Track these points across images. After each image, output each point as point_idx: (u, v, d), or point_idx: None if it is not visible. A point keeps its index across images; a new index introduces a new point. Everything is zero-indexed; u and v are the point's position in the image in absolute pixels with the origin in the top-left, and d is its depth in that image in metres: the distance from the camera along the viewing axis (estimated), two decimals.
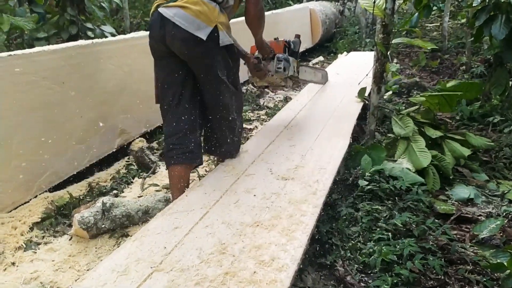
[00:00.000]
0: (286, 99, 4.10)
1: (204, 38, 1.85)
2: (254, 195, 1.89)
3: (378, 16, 2.26)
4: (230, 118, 2.14)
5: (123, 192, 2.46)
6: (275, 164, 2.22)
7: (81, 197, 2.34)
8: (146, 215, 2.08)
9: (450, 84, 4.74)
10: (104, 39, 2.56)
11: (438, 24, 8.35)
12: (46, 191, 2.25)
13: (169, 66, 2.00)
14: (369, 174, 2.44)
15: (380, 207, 2.21)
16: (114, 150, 2.72)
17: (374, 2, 2.15)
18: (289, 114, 3.06)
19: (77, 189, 2.40)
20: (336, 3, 7.74)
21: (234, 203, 1.82)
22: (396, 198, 2.32)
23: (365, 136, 2.69)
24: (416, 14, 3.61)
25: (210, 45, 1.90)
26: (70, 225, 2.12)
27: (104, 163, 2.70)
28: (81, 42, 2.40)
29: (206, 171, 2.77)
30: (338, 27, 7.51)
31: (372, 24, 7.67)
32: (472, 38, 5.13)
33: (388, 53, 3.15)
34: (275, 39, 2.56)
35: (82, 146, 2.43)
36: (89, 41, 2.43)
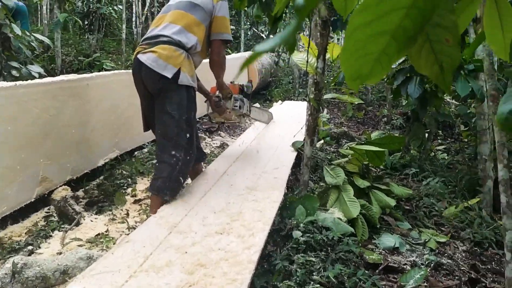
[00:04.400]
0: (223, 146, 4.11)
1: (170, 77, 2.19)
2: (186, 252, 1.80)
3: (310, 73, 2.41)
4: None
5: (39, 248, 2.21)
6: (209, 217, 2.16)
7: None
8: (64, 275, 1.87)
9: (374, 134, 5.13)
10: (29, 81, 2.39)
11: None
12: None
13: (150, 101, 2.35)
14: (303, 225, 2.47)
15: (314, 259, 2.22)
16: (33, 200, 2.47)
17: (307, 61, 2.29)
18: (224, 163, 3.06)
19: None
20: (272, 54, 8.17)
21: (165, 263, 1.71)
22: (329, 248, 2.36)
23: (299, 186, 2.76)
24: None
25: (171, 83, 2.22)
26: None
27: (19, 214, 2.43)
28: (2, 83, 2.22)
29: (136, 222, 2.62)
30: (273, 76, 7.88)
31: (304, 75, 8.17)
32: (392, 94, 5.70)
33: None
34: (231, 82, 2.94)
35: None
36: (12, 83, 2.26)
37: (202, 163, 2.97)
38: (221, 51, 2.47)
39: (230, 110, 2.85)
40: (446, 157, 4.57)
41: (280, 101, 5.80)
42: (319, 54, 2.33)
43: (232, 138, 4.47)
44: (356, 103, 3.88)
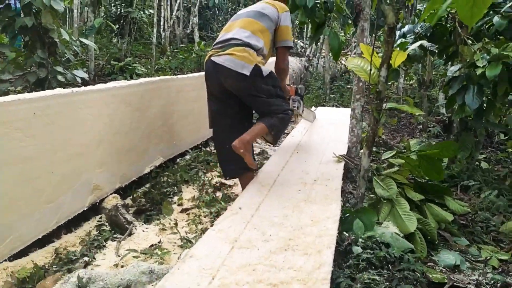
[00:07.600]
0: (262, 153, 4.03)
1: (248, 74, 2.36)
2: (254, 270, 1.72)
3: (372, 82, 2.31)
4: (277, 112, 2.47)
5: (94, 259, 2.16)
6: (269, 231, 2.08)
7: (46, 266, 2.02)
8: None
9: (412, 142, 4.94)
10: (84, 88, 2.36)
11: (391, 83, 8.97)
12: (5, 260, 1.91)
13: (222, 100, 2.55)
14: (362, 240, 2.37)
15: (377, 277, 2.12)
16: (85, 208, 2.43)
17: (371, 70, 2.19)
18: (272, 171, 2.96)
19: (42, 256, 2.07)
20: (301, 59, 8.07)
21: (235, 282, 1.63)
22: (390, 266, 2.25)
23: (355, 199, 2.66)
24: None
25: (253, 78, 2.39)
26: None
27: (72, 223, 2.40)
28: (59, 90, 2.19)
29: (186, 232, 2.56)
30: (304, 81, 7.78)
31: (334, 81, 8.04)
32: (427, 99, 5.51)
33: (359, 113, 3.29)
34: (288, 84, 3.08)
35: (51, 205, 2.15)
36: (69, 90, 2.23)
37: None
38: (286, 57, 2.74)
39: None
40: (488, 167, 4.39)
41: (313, 107, 5.69)
42: (382, 62, 2.23)
43: (269, 145, 4.38)
44: (417, 114, 3.76)
